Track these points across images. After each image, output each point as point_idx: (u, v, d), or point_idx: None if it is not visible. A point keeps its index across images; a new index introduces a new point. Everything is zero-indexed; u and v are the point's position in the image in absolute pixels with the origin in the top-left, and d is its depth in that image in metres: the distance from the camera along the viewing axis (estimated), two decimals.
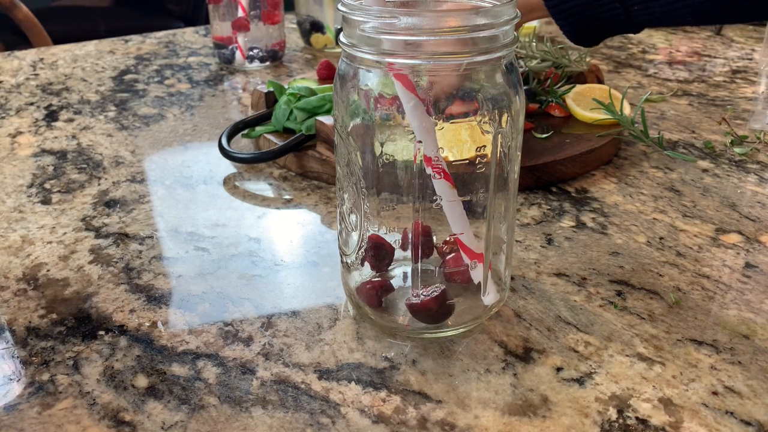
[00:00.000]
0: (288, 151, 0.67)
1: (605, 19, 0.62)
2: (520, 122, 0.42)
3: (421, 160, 0.39)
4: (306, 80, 0.84)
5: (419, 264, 0.42)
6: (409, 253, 0.42)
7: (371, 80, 0.39)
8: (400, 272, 0.46)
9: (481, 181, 0.41)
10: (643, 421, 0.37)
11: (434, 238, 0.45)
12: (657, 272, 0.51)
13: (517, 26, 0.73)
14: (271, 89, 0.77)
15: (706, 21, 0.63)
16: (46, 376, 0.41)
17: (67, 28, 2.17)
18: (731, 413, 0.38)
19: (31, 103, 0.90)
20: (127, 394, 0.40)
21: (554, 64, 0.81)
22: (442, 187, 0.40)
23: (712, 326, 0.45)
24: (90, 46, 1.20)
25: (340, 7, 0.39)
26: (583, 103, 0.74)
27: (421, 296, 0.42)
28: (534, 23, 1.17)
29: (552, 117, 0.76)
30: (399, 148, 0.40)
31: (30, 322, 0.46)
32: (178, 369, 0.42)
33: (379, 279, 0.45)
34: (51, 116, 0.85)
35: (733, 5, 0.59)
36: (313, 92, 0.73)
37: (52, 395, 0.40)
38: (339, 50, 0.84)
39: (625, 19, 0.61)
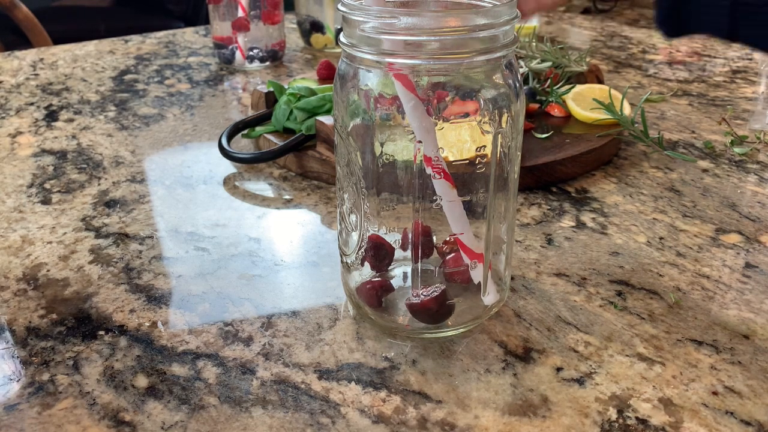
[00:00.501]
0: (288, 151, 0.67)
1: (706, 12, 0.58)
2: (520, 122, 0.42)
3: (421, 160, 0.39)
4: (306, 80, 0.84)
5: (419, 264, 0.42)
6: (409, 253, 0.42)
7: (371, 80, 0.39)
8: (400, 272, 0.46)
9: (481, 181, 0.41)
10: (643, 421, 0.37)
11: (434, 238, 0.45)
12: (657, 272, 0.51)
13: None
14: (271, 89, 0.77)
15: None
16: (46, 376, 0.41)
17: (67, 28, 2.17)
18: (731, 413, 0.38)
19: (31, 103, 0.90)
20: (127, 394, 0.40)
21: (554, 64, 0.81)
22: (442, 187, 0.40)
23: (712, 326, 0.45)
24: (90, 46, 1.20)
25: (340, 7, 0.39)
26: (583, 103, 0.74)
27: (421, 296, 0.42)
28: (534, 23, 1.17)
29: (552, 117, 0.76)
30: (399, 148, 0.40)
31: (30, 322, 0.46)
32: (178, 369, 0.42)
33: (379, 279, 0.45)
34: (51, 116, 0.85)
35: None
36: (313, 92, 0.73)
37: (52, 395, 0.40)
38: (339, 50, 0.84)
39: (726, 20, 0.57)
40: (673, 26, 0.63)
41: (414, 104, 0.38)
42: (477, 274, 0.42)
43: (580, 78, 0.83)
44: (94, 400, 0.39)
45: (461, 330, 0.44)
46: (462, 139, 0.40)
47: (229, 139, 0.71)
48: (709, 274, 0.51)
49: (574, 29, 1.32)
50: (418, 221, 0.41)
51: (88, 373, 0.41)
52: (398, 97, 0.38)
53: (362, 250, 0.44)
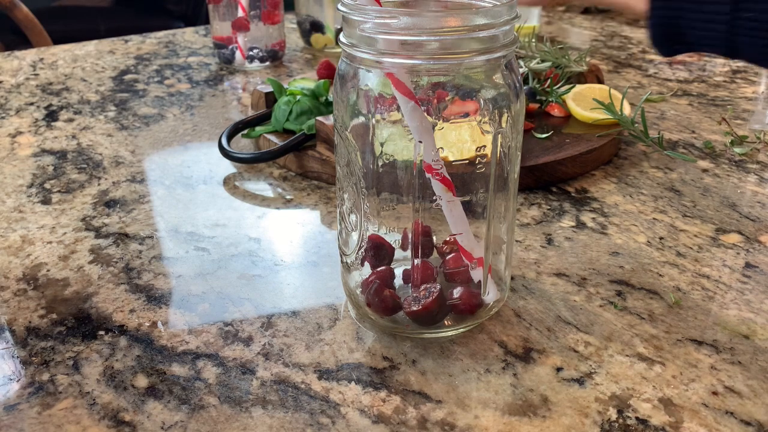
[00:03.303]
0: (288, 151, 0.67)
1: (702, 28, 0.55)
2: (520, 122, 0.42)
3: (421, 161, 0.39)
4: (306, 80, 0.84)
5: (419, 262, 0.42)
6: (409, 253, 0.42)
7: (371, 80, 0.39)
8: (400, 272, 0.46)
9: (481, 181, 0.41)
10: (643, 421, 0.37)
11: (434, 238, 0.45)
12: (657, 272, 0.51)
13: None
14: (271, 89, 0.77)
15: None
16: (46, 376, 0.41)
17: (67, 28, 2.17)
18: (731, 413, 0.38)
19: (31, 103, 0.90)
20: (127, 394, 0.40)
21: (554, 64, 0.81)
22: (441, 188, 0.40)
23: (712, 326, 0.45)
24: (90, 46, 1.20)
25: (339, 7, 0.39)
26: (583, 103, 0.74)
27: (421, 300, 0.42)
28: (534, 23, 1.17)
29: (552, 117, 0.76)
30: (399, 148, 0.40)
31: (30, 322, 0.46)
32: (178, 369, 0.42)
33: (389, 292, 0.45)
34: (51, 116, 0.85)
35: None
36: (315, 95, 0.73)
37: (52, 395, 0.40)
38: (339, 50, 0.83)
39: (725, 36, 0.54)
40: (668, 44, 0.60)
41: (413, 105, 0.38)
42: (477, 274, 0.42)
43: (580, 78, 0.83)
44: (94, 400, 0.39)
45: (461, 330, 0.44)
46: (462, 139, 0.40)
47: (229, 139, 0.71)
48: (709, 274, 0.51)
49: (574, 29, 1.32)
50: (418, 221, 0.41)
51: (88, 373, 0.41)
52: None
53: (362, 250, 0.44)
